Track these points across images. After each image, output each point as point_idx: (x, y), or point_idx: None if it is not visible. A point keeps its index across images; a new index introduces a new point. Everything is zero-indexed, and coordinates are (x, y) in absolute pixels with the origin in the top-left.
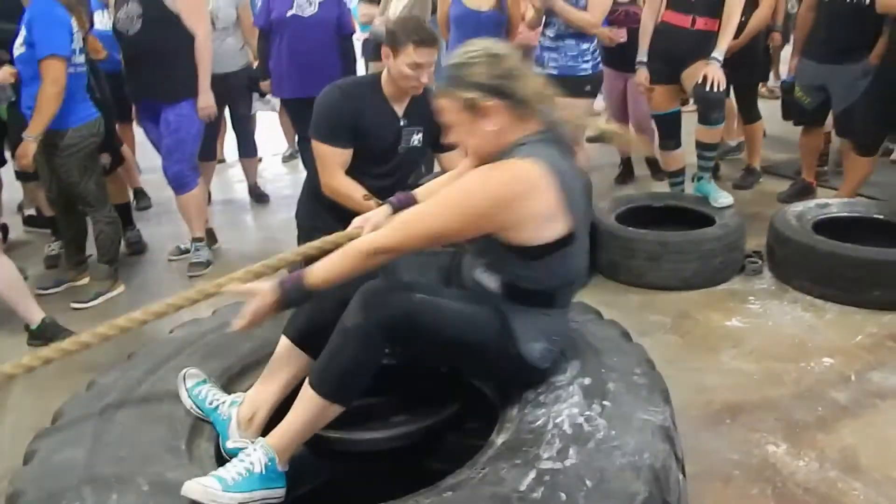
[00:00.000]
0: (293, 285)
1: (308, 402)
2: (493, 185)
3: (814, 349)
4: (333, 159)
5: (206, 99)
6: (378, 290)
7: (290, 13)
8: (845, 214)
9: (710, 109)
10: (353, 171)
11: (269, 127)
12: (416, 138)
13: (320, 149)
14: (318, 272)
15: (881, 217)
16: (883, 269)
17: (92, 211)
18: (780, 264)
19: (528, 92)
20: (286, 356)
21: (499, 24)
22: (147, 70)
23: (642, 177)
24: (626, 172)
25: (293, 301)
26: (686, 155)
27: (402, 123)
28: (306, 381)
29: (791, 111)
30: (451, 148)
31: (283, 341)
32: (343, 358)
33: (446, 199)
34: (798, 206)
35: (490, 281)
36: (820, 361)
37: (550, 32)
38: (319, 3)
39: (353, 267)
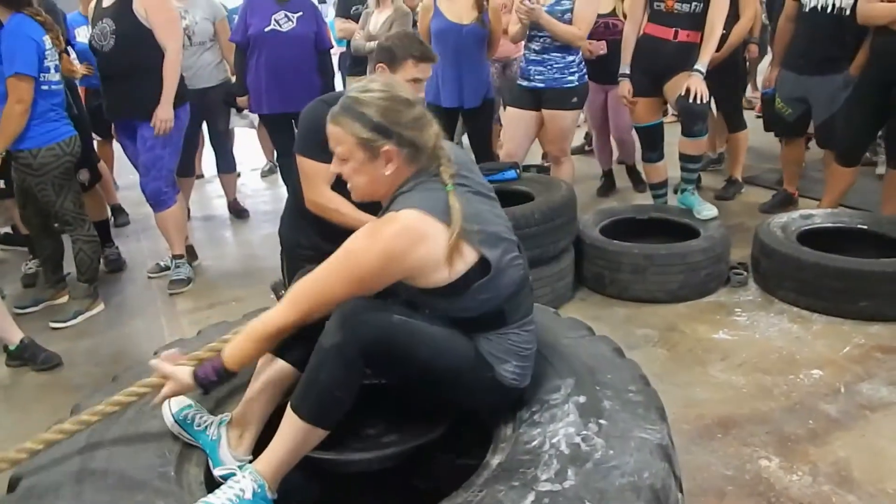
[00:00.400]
0: (212, 372)
1: (291, 427)
2: (380, 243)
3: (802, 361)
4: (319, 175)
5: (165, 111)
6: (356, 309)
7: (267, 28)
8: (829, 225)
9: (693, 121)
10: (334, 189)
11: (248, 142)
12: None
13: (305, 164)
14: (234, 357)
15: (865, 227)
16: (869, 280)
17: (70, 230)
18: (766, 276)
19: (425, 141)
20: (268, 368)
21: (481, 37)
22: (122, 87)
23: (624, 188)
24: (607, 184)
25: (212, 386)
26: (668, 166)
27: None
28: (288, 405)
29: (772, 122)
30: None
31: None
32: (322, 379)
33: (336, 265)
34: (782, 217)
35: (434, 317)
36: (809, 374)
37: (536, 46)
38: (297, 18)
39: (262, 349)
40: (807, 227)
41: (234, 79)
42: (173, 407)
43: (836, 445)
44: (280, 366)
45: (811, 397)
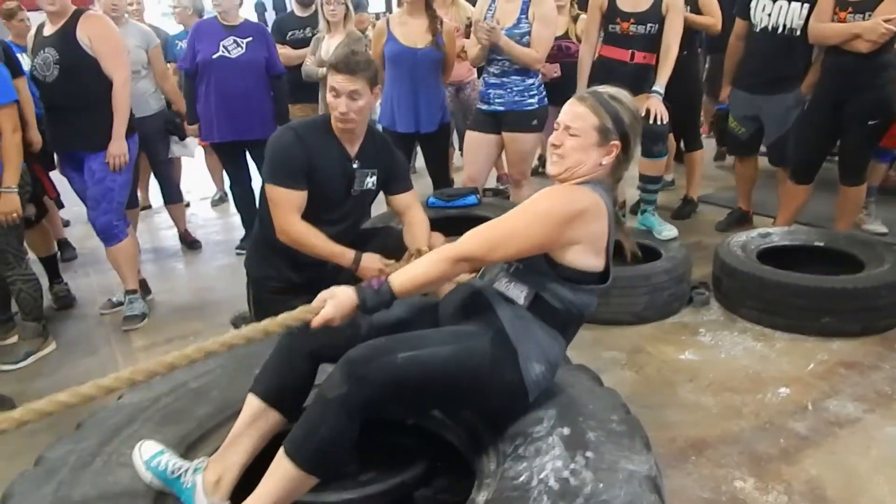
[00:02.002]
0: (375, 289)
1: (284, 473)
2: (580, 200)
3: (769, 379)
4: (289, 203)
5: (118, 146)
6: (361, 359)
7: (216, 55)
8: (787, 243)
9: (653, 142)
10: (305, 218)
11: (197, 171)
12: (370, 181)
13: (275, 192)
14: (402, 277)
15: (821, 244)
16: (830, 297)
17: (7, 269)
18: (728, 295)
19: (630, 158)
20: (254, 415)
21: (436, 61)
22: (67, 118)
23: None
24: None
25: (373, 304)
26: (625, 189)
27: (354, 165)
28: (281, 450)
29: (726, 140)
30: (403, 190)
31: (251, 399)
32: (323, 430)
33: (530, 206)
34: (741, 237)
35: (517, 292)
36: (776, 392)
37: (495, 69)
38: (247, 44)
39: (438, 272)
40: (766, 246)
41: (181, 106)
42: (144, 454)
43: (808, 463)
44: (266, 412)
45: (780, 416)
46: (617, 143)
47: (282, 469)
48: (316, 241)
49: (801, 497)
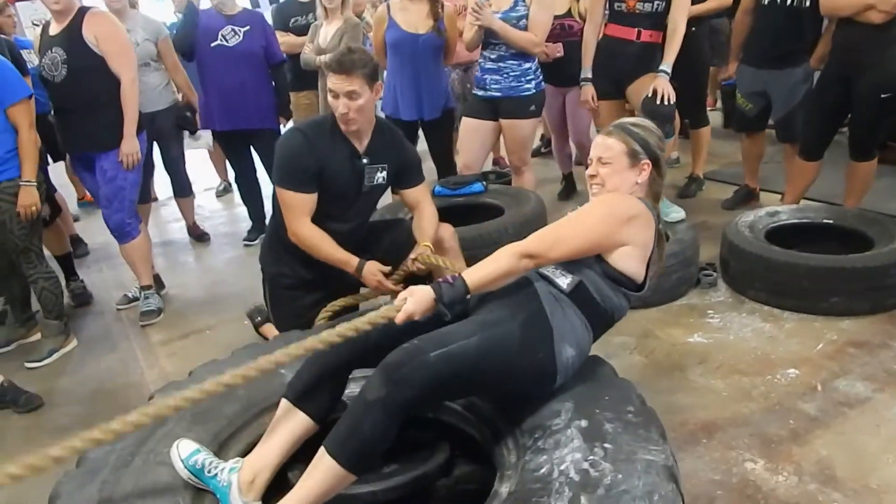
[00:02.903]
0: (451, 284)
1: (326, 471)
2: (630, 202)
3: (778, 361)
4: (299, 207)
5: (130, 145)
6: (397, 363)
7: (214, 44)
8: (795, 221)
9: (660, 123)
10: (320, 216)
11: (200, 161)
12: (381, 176)
13: (286, 196)
14: (473, 273)
15: (830, 222)
16: (839, 277)
17: (30, 268)
18: (736, 276)
19: (664, 174)
20: (288, 418)
21: (437, 47)
22: (76, 119)
23: (584, 191)
24: (568, 188)
25: (449, 298)
26: None
27: (364, 161)
28: (322, 449)
29: (734, 116)
30: (414, 184)
31: (284, 404)
32: (364, 430)
33: (590, 210)
34: (749, 216)
35: (562, 278)
36: (785, 373)
37: (491, 54)
38: (244, 33)
39: (504, 267)
40: (774, 225)
41: (193, 99)
42: (182, 452)
43: (818, 444)
44: (299, 417)
45: (790, 397)
46: (647, 161)
47: (323, 467)
48: (323, 244)
49: (811, 477)
